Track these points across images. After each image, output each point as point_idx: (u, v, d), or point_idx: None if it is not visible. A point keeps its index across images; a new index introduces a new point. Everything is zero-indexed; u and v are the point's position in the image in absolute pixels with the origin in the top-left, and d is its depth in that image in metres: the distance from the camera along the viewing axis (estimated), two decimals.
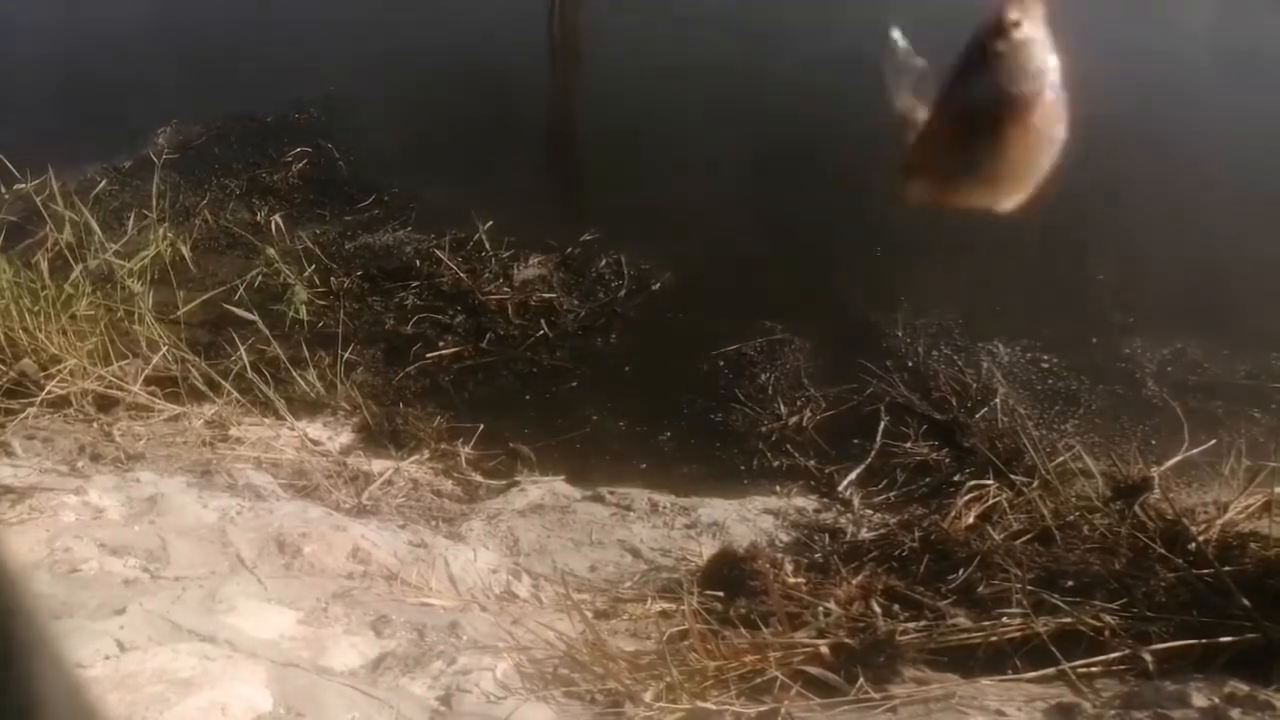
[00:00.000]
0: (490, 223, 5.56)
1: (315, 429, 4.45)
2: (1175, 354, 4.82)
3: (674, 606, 2.96)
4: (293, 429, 4.36)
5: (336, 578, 2.94)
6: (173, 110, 6.84)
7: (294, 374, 4.61)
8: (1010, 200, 0.76)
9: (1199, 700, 2.23)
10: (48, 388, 4.25)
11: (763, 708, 2.32)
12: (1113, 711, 2.26)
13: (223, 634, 2.41)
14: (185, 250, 5.52)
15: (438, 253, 5.48)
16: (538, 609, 3.05)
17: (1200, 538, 2.88)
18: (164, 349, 4.61)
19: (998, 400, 4.48)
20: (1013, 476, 3.78)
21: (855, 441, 4.40)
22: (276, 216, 5.73)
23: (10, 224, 5.55)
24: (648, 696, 2.38)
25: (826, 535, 3.69)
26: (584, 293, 5.31)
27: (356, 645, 2.53)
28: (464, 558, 3.26)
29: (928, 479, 4.17)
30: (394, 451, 4.31)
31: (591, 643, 2.59)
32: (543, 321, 5.10)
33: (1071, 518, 3.31)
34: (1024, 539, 3.27)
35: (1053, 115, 0.70)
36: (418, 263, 5.48)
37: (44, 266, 4.94)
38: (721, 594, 3.02)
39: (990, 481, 3.76)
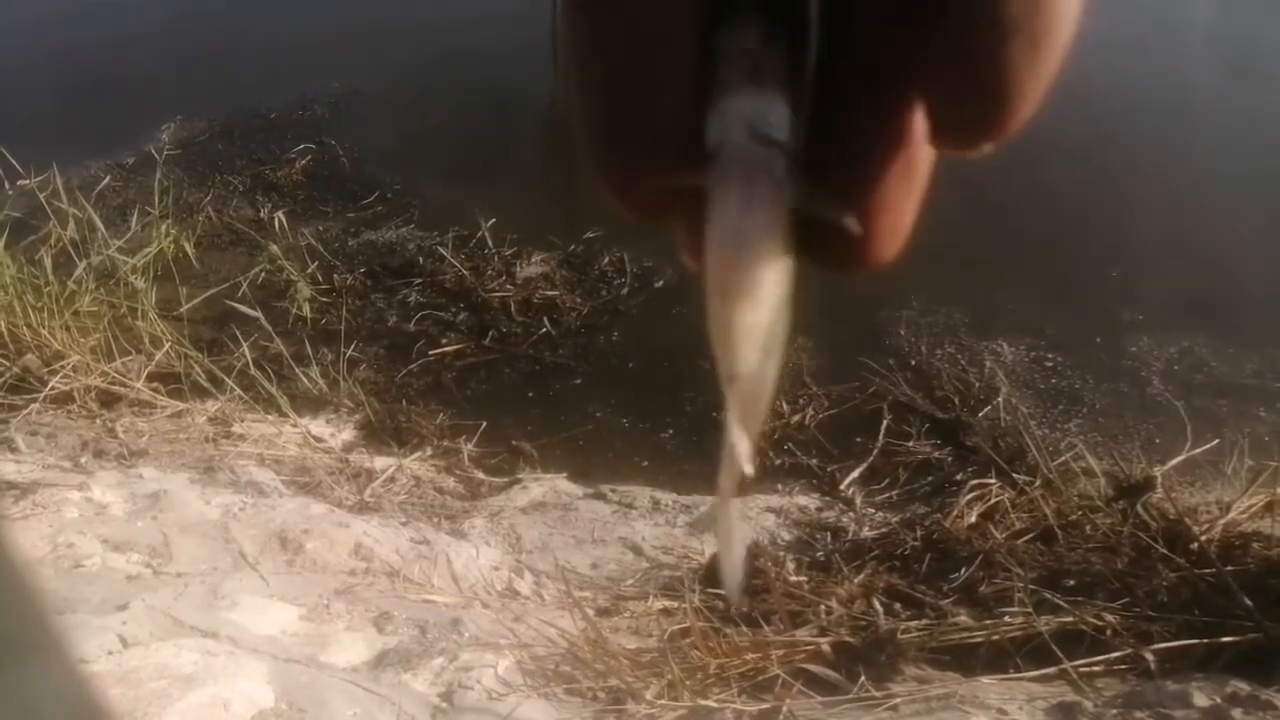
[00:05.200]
0: (493, 220, 5.56)
1: (318, 426, 4.45)
2: (1181, 352, 4.80)
3: (676, 604, 2.96)
4: (295, 426, 4.36)
5: (338, 574, 2.94)
6: (176, 106, 6.86)
7: (297, 371, 4.62)
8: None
9: (1200, 700, 2.23)
10: (51, 384, 4.26)
11: (764, 705, 2.32)
12: (1114, 711, 2.26)
13: (225, 630, 2.41)
14: (188, 247, 5.52)
15: (441, 250, 5.48)
16: (540, 606, 3.05)
17: (1203, 537, 2.88)
18: (167, 345, 4.62)
19: (1000, 399, 4.47)
20: (1015, 476, 3.77)
21: (857, 440, 4.40)
22: (280, 213, 5.74)
23: (14, 220, 5.57)
24: (649, 694, 2.38)
25: (828, 534, 3.69)
26: (587, 290, 5.30)
27: (358, 641, 2.54)
28: (466, 555, 3.26)
29: (930, 478, 4.16)
30: (396, 448, 4.31)
31: (593, 640, 2.59)
32: (545, 319, 5.10)
33: (1074, 517, 3.31)
34: (1026, 538, 3.27)
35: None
36: (420, 260, 5.48)
37: (47, 262, 4.96)
38: (723, 592, 3.02)
39: (992, 480, 3.76)
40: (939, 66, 0.30)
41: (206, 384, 4.46)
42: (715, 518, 0.41)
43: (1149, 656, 2.48)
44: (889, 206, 0.33)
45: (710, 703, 2.36)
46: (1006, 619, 2.70)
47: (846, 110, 0.32)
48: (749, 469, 0.38)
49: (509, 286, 5.26)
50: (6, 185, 5.71)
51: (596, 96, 0.33)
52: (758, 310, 0.34)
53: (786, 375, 4.72)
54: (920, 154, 0.33)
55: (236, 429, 4.21)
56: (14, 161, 5.48)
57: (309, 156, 6.40)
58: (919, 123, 0.31)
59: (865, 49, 0.31)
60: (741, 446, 0.37)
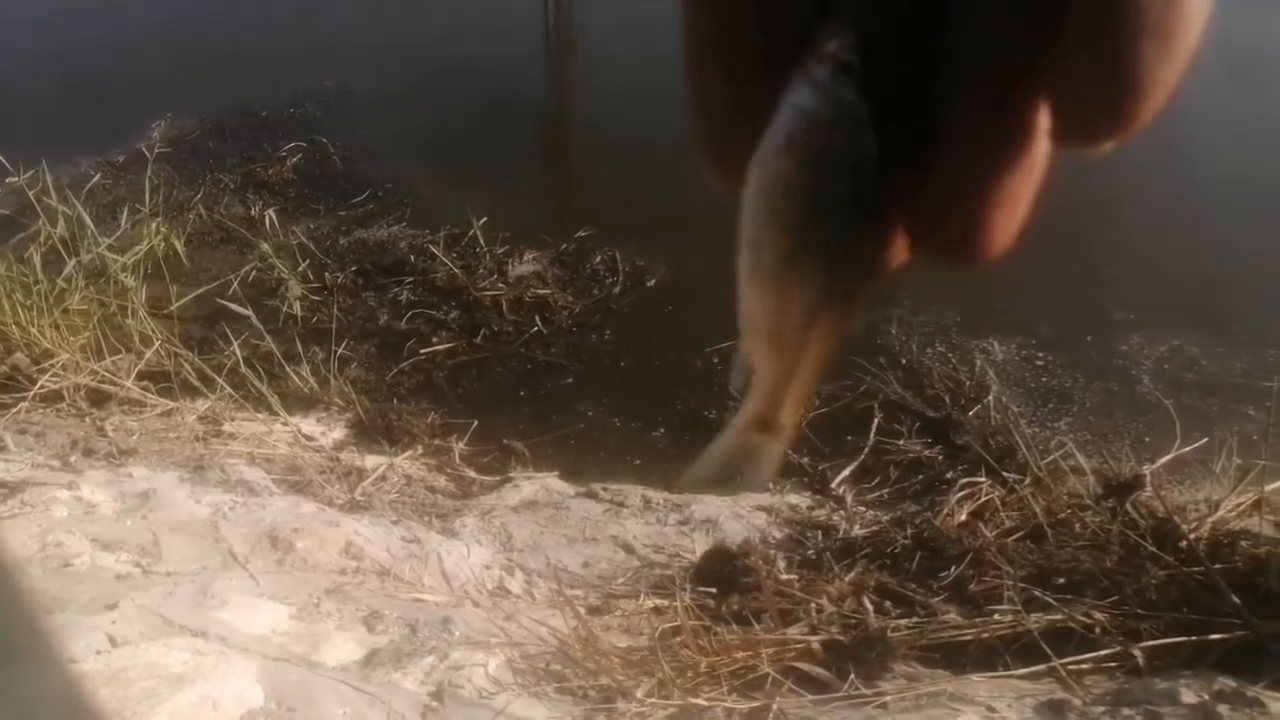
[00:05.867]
0: (485, 219, 5.55)
1: (308, 424, 4.44)
2: (1172, 351, 4.82)
3: (667, 603, 2.96)
4: (286, 424, 4.35)
5: (329, 573, 2.93)
6: (167, 104, 6.83)
7: (287, 369, 4.61)
8: None
9: (1188, 697, 2.24)
10: (40, 382, 4.24)
11: (754, 704, 2.33)
12: (1103, 708, 2.27)
13: (214, 629, 2.41)
14: (179, 245, 5.50)
15: (432, 248, 5.47)
16: (531, 605, 3.05)
17: (1191, 535, 2.90)
18: (157, 344, 4.61)
19: (991, 398, 4.48)
20: (1005, 474, 3.78)
21: (848, 438, 4.40)
22: (271, 211, 5.72)
23: (3, 217, 5.56)
24: (639, 693, 2.38)
25: (819, 532, 3.69)
26: (579, 289, 5.30)
27: (348, 641, 2.54)
28: (457, 553, 3.26)
29: (920, 476, 4.17)
30: (387, 447, 4.30)
31: (584, 639, 2.60)
32: (537, 318, 5.10)
33: (1063, 515, 3.32)
34: (1016, 536, 3.27)
35: None
36: (412, 258, 5.48)
37: (37, 260, 4.93)
38: (714, 590, 3.02)
39: (983, 479, 3.77)
40: (1069, 61, 0.30)
41: (197, 382, 4.44)
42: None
43: (1137, 654, 2.49)
44: (1007, 201, 0.33)
45: (700, 701, 2.36)
46: (996, 617, 2.71)
47: (970, 104, 0.33)
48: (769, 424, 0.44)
49: (500, 285, 5.26)
50: None
51: (705, 91, 0.37)
52: (761, 265, 0.39)
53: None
54: (1039, 148, 0.33)
55: (227, 427, 4.20)
56: (3, 159, 5.46)
57: (300, 154, 6.38)
58: (1041, 116, 0.32)
59: (991, 42, 0.32)
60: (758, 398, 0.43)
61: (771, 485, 4.23)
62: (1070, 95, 0.31)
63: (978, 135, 0.33)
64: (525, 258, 5.44)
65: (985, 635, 2.66)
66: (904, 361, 4.78)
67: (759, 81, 0.35)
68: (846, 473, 4.21)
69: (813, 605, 2.89)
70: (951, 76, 0.33)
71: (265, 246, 5.35)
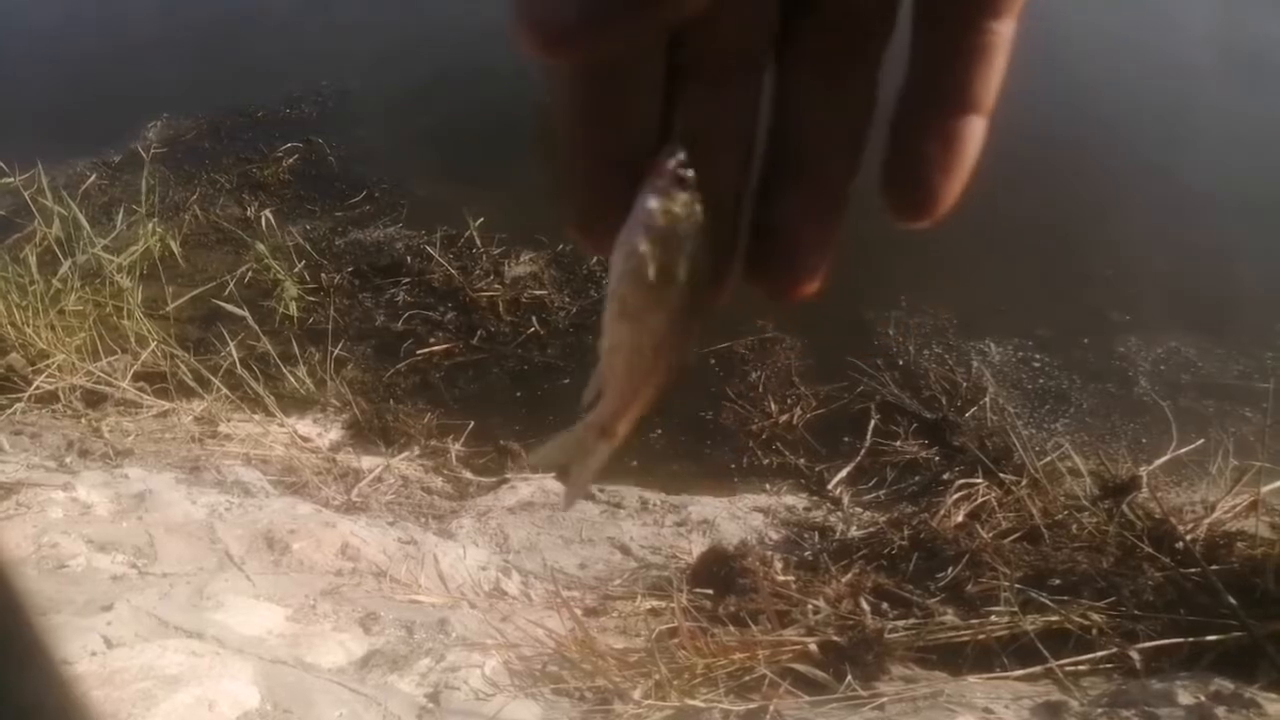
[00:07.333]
0: (481, 219, 5.55)
1: (305, 425, 4.44)
2: (1169, 352, 4.83)
3: (663, 604, 2.96)
4: (282, 425, 4.34)
5: (325, 574, 2.93)
6: (163, 104, 6.82)
7: (284, 370, 4.60)
8: None
9: (1185, 698, 2.24)
10: (36, 383, 4.23)
11: (751, 705, 2.32)
12: (1100, 709, 2.27)
13: (210, 630, 2.40)
14: (175, 245, 5.50)
15: (429, 249, 5.46)
16: (527, 606, 3.05)
17: (1188, 537, 2.90)
18: (153, 345, 4.60)
19: (987, 399, 4.48)
20: (1002, 475, 3.78)
21: (845, 440, 4.41)
22: (267, 212, 5.71)
23: None
24: (636, 694, 2.38)
25: (816, 533, 3.70)
26: (575, 290, 5.30)
27: (345, 642, 2.53)
28: (453, 555, 3.26)
29: (917, 477, 4.17)
30: (384, 448, 4.30)
31: (580, 640, 2.59)
32: (534, 318, 5.09)
33: (1060, 516, 3.32)
34: (1012, 537, 3.28)
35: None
36: (408, 259, 5.47)
37: (32, 261, 4.92)
38: (711, 591, 3.02)
39: (979, 480, 3.77)
40: (893, 175, 0.45)
41: (193, 383, 4.43)
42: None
43: (1134, 655, 2.49)
44: (812, 253, 0.48)
45: (697, 702, 2.36)
46: (993, 618, 2.71)
47: (793, 193, 0.48)
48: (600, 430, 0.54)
49: (497, 286, 5.26)
50: None
51: (576, 180, 0.48)
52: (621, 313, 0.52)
53: (775, 374, 4.72)
54: (837, 223, 0.49)
55: (223, 428, 4.19)
56: None
57: (296, 155, 6.37)
58: (840, 199, 0.48)
59: (809, 164, 0.48)
60: (603, 409, 0.54)
61: (768, 486, 4.24)
62: (895, 193, 0.45)
63: (806, 221, 0.48)
64: (522, 258, 5.44)
65: (982, 636, 2.66)
66: (901, 363, 4.78)
67: (616, 178, 0.47)
68: (843, 474, 4.21)
69: (810, 606, 2.89)
70: (781, 170, 0.48)
71: (261, 247, 5.34)
